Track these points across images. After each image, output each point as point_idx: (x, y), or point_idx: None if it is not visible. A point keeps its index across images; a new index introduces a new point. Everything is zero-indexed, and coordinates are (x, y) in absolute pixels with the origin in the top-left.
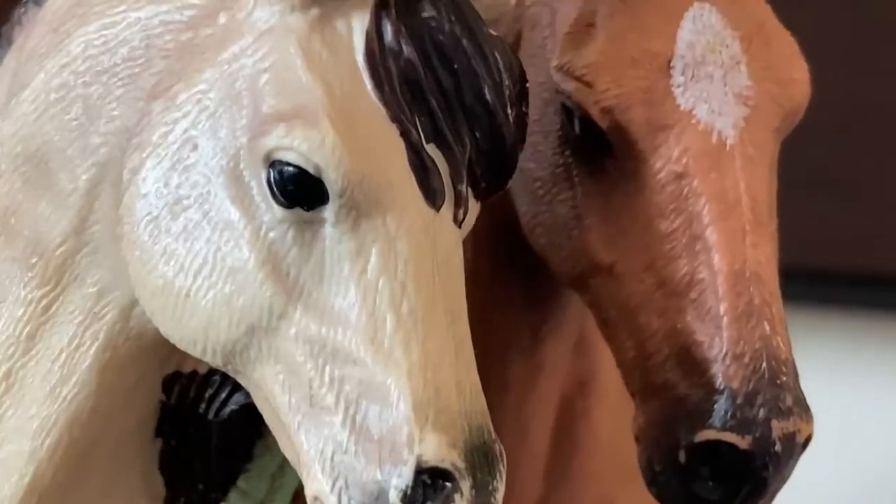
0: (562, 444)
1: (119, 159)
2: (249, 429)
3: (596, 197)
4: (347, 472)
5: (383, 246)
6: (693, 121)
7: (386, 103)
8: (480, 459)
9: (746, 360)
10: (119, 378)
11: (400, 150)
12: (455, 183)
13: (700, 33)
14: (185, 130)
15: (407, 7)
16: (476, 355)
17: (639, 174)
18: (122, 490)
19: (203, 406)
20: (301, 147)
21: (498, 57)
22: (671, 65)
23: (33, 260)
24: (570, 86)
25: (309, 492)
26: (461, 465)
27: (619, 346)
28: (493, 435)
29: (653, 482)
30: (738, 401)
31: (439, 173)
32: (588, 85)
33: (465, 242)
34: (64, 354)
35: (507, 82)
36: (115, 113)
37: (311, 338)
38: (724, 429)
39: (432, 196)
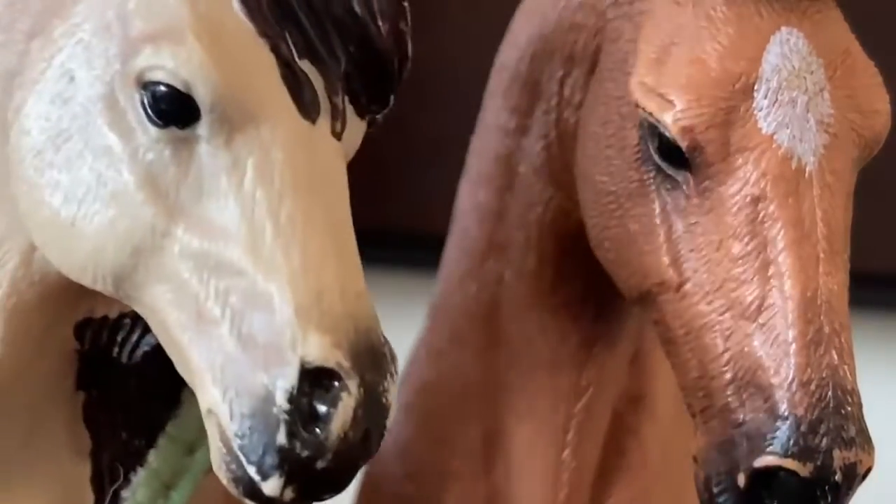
0: (611, 458)
1: (4, 103)
2: (173, 375)
3: (669, 215)
4: (236, 381)
5: (258, 157)
6: (773, 145)
7: (253, 19)
8: (368, 359)
9: (813, 387)
10: (26, 325)
11: (271, 65)
12: (330, 96)
13: (786, 58)
14: (62, 64)
15: None
16: (531, 363)
17: (715, 195)
18: (43, 442)
19: (116, 350)
20: (168, 65)
21: None
22: (755, 88)
23: None
24: (650, 103)
25: (203, 405)
26: (346, 364)
27: (681, 365)
28: (382, 338)
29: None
30: (802, 428)
31: (313, 86)
32: (669, 103)
33: (529, 250)
34: None
35: None
36: None
37: (195, 253)
38: (785, 455)
39: (306, 108)
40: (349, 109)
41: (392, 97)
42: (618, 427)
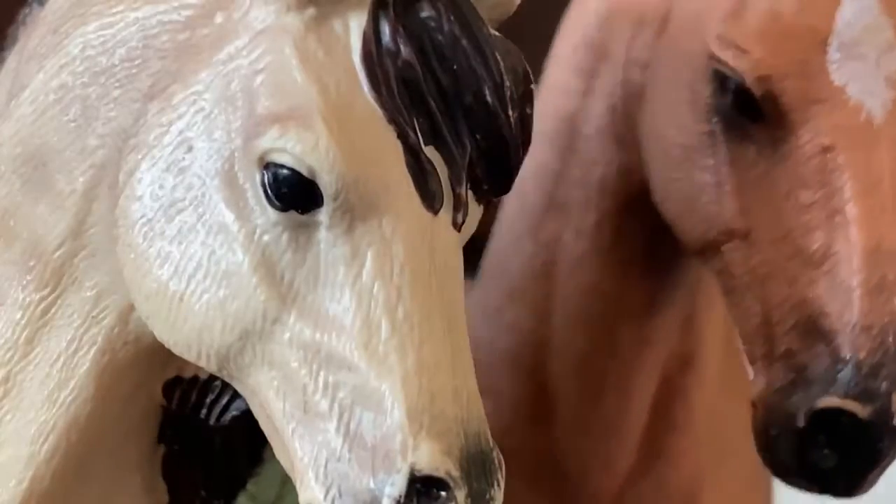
0: (658, 419)
1: (116, 161)
2: (257, 433)
3: (738, 164)
4: (341, 479)
5: (379, 250)
6: (844, 97)
7: (383, 105)
8: (477, 468)
9: (875, 332)
10: (118, 382)
11: (397, 153)
12: (454, 186)
13: (858, 15)
14: (181, 132)
15: (405, 7)
16: (586, 320)
17: (786, 144)
18: (123, 496)
19: (204, 411)
20: (294, 149)
21: (499, 58)
22: (828, 41)
23: (31, 263)
24: (728, 54)
25: (303, 499)
26: (456, 473)
27: (744, 312)
28: (492, 442)
29: (767, 447)
30: (864, 371)
31: (438, 176)
32: (746, 53)
33: (589, 210)
34: (62, 358)
35: (507, 83)
36: (112, 114)
37: (305, 343)
38: (846, 396)
39: (430, 199)
40: (469, 196)
41: (512, 184)
42: (666, 388)
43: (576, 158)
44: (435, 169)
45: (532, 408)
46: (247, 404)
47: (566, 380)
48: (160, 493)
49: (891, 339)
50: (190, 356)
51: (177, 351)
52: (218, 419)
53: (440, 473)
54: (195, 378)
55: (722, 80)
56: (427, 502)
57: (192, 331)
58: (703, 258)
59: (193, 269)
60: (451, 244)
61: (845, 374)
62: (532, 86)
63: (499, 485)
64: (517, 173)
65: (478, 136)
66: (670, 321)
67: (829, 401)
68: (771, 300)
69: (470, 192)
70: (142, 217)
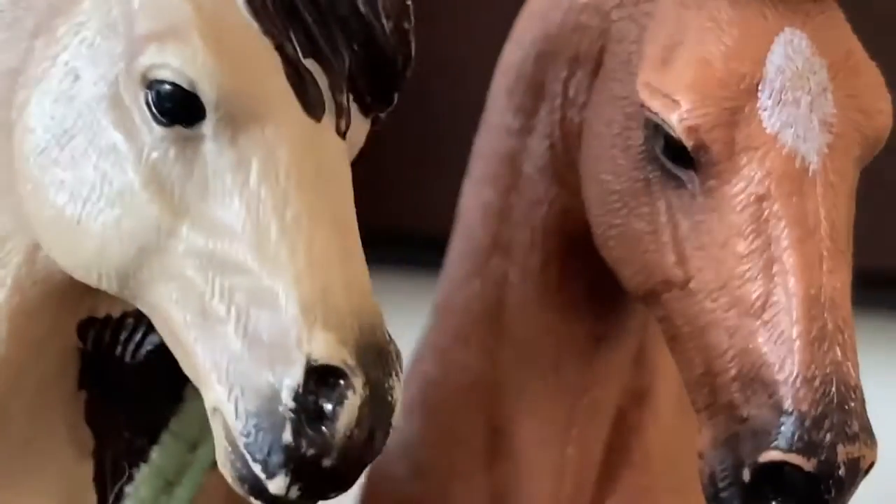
0: (614, 455)
1: (9, 100)
2: (177, 372)
3: (674, 213)
4: (242, 379)
5: (263, 156)
6: (777, 144)
7: (258, 18)
8: (372, 357)
9: (817, 383)
10: (30, 324)
11: (275, 64)
12: (335, 94)
13: (790, 59)
14: (67, 62)
15: None
16: (535, 361)
17: (720, 194)
18: (46, 441)
19: (119, 349)
20: (173, 63)
21: None
22: (759, 88)
23: None
24: (656, 103)
25: (208, 403)
26: (352, 362)
27: (687, 362)
28: (387, 335)
29: (714, 498)
30: (806, 424)
31: (318, 85)
32: (675, 103)
33: (534, 249)
34: None
35: None
36: (1, 57)
37: (200, 252)
38: (790, 450)
39: (311, 107)
40: (353, 108)
41: (396, 96)
42: (621, 424)
43: (519, 198)
44: (314, 78)
45: (485, 450)
46: (161, 339)
47: (518, 421)
48: (85, 436)
49: (833, 389)
50: (91, 280)
51: (78, 276)
52: (133, 355)
53: (336, 362)
54: (108, 317)
55: (654, 127)
56: (325, 391)
57: (91, 253)
58: (645, 305)
59: (87, 192)
60: (337, 150)
61: (788, 427)
62: (409, 2)
63: (397, 375)
64: (399, 85)
65: (354, 47)
66: (621, 357)
67: (774, 455)
68: (712, 351)
69: (354, 105)
70: (35, 148)
